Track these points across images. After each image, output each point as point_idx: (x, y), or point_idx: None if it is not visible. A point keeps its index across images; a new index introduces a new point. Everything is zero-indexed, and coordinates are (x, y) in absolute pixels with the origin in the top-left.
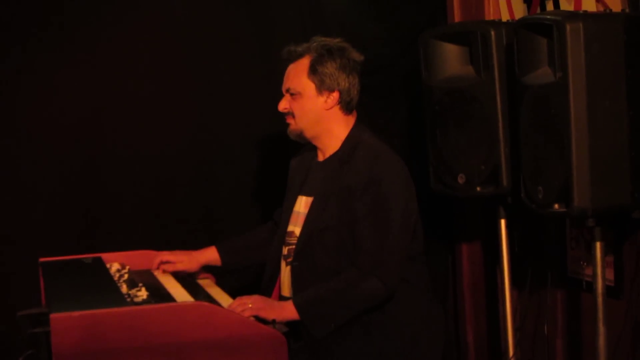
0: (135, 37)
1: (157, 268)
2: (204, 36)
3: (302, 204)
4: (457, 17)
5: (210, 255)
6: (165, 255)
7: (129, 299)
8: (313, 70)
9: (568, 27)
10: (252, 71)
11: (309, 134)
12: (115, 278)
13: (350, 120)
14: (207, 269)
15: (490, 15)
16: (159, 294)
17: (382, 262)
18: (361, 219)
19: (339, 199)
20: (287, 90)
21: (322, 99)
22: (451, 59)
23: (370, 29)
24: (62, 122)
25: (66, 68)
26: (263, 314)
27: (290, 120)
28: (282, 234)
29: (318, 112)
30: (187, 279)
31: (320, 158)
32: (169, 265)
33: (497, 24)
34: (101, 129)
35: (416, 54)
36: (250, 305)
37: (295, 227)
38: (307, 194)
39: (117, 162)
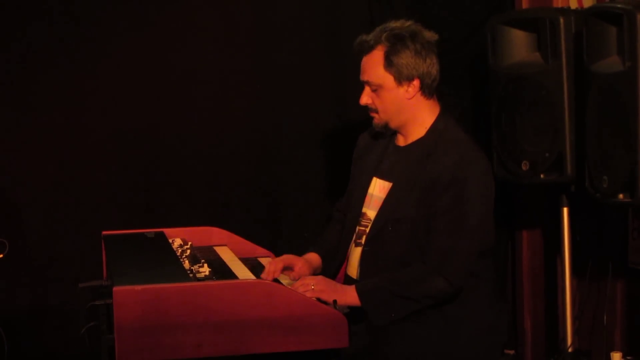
0: (201, 31)
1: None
2: (268, 26)
3: (378, 187)
4: (525, 3)
5: (317, 261)
6: (282, 262)
7: (191, 275)
8: (389, 63)
9: (638, 16)
10: (317, 60)
11: (394, 124)
12: (178, 253)
13: (434, 106)
14: (268, 248)
15: (558, 2)
16: (221, 271)
17: (450, 262)
18: (438, 215)
19: (420, 191)
20: (366, 84)
21: (402, 89)
22: (519, 45)
23: (437, 13)
24: (128, 102)
25: (135, 56)
26: (325, 297)
27: (373, 114)
28: (355, 214)
29: (400, 103)
30: (248, 258)
31: (401, 143)
32: (290, 272)
33: (566, 11)
34: (168, 110)
35: (483, 39)
36: (312, 287)
37: (369, 210)
38: (384, 178)
39: (182, 144)
